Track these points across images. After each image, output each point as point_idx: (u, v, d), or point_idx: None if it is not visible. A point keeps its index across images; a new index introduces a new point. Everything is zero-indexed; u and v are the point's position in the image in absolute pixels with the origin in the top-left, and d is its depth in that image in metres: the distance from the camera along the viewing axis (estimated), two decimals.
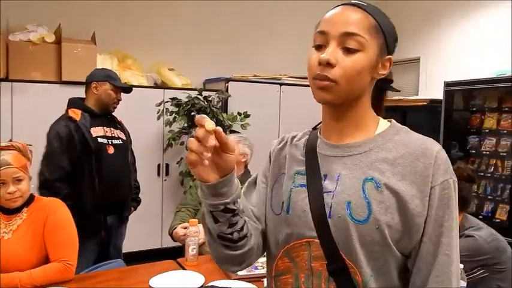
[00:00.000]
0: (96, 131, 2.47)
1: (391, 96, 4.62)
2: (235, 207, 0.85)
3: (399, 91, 1.06)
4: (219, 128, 0.77)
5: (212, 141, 0.77)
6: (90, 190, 2.37)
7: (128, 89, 2.67)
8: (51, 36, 3.68)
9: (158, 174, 4.13)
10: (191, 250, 2.09)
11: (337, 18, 0.88)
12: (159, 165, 4.11)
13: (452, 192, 0.85)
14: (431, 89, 4.56)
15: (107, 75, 2.57)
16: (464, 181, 2.12)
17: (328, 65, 0.83)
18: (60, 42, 3.67)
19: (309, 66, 0.87)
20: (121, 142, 2.58)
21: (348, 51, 0.84)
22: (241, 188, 1.00)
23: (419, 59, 4.95)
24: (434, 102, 4.08)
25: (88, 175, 2.37)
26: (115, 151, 2.51)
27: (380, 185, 0.84)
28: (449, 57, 4.56)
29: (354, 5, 0.90)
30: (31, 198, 1.89)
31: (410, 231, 0.84)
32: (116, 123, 2.65)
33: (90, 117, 2.48)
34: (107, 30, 4.10)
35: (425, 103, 4.09)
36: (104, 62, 3.92)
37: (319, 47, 0.87)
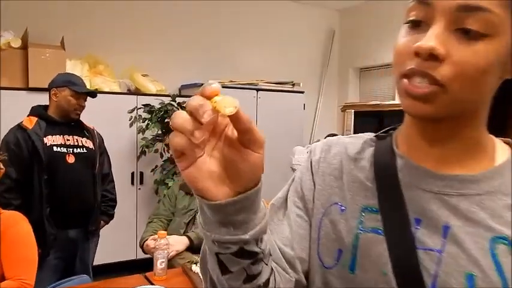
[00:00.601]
0: (53, 139, 2.35)
1: (367, 101, 4.62)
2: (258, 249, 0.51)
3: None
4: (240, 112, 0.44)
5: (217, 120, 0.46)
6: (39, 201, 2.25)
7: (91, 93, 2.54)
8: (18, 41, 3.55)
9: (132, 183, 4.01)
10: (159, 264, 2.00)
11: None
12: (132, 173, 4.00)
13: None
14: None
15: (66, 81, 2.45)
16: None
17: (432, 57, 0.51)
18: (27, 47, 3.54)
19: (397, 54, 0.55)
20: (85, 151, 2.46)
21: (467, 35, 0.51)
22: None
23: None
24: None
25: (38, 185, 2.25)
26: (76, 160, 2.39)
27: None
28: None
29: None
30: None
31: None
32: (82, 131, 2.53)
33: (49, 125, 2.37)
34: (79, 36, 3.99)
35: (401, 108, 4.08)
36: (74, 67, 3.79)
37: (415, 25, 0.55)
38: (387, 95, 5.09)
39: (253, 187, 0.48)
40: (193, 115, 0.43)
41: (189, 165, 0.46)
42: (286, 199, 0.70)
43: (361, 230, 0.60)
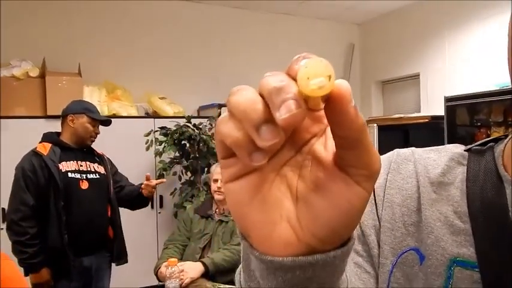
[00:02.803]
0: (68, 166, 2.32)
1: (391, 114, 4.46)
2: None
3: None
4: (348, 91, 0.27)
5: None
6: (57, 228, 2.21)
7: (106, 121, 2.54)
8: (36, 70, 3.60)
9: (152, 206, 3.96)
10: None
11: None
12: (152, 197, 3.94)
13: None
14: (433, 105, 4.39)
15: (84, 108, 2.46)
16: None
17: None
18: (44, 76, 3.58)
19: None
20: (98, 176, 2.43)
21: None
22: None
23: (418, 75, 4.80)
24: (436, 119, 3.90)
25: (55, 212, 2.21)
26: (90, 186, 2.36)
27: None
28: (450, 72, 4.40)
29: None
30: None
31: None
32: (94, 156, 2.51)
33: (63, 151, 2.35)
34: (96, 62, 4.03)
35: (427, 120, 3.91)
36: (91, 93, 3.82)
37: None
38: (412, 108, 4.91)
39: (340, 246, 0.29)
40: (268, 100, 0.25)
41: (238, 177, 0.28)
42: None
43: None
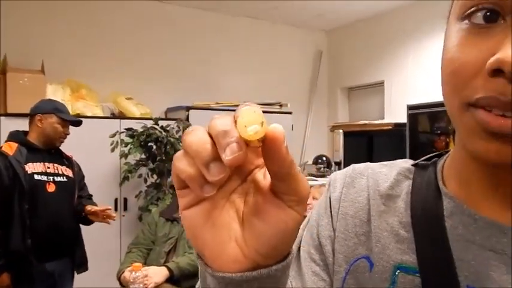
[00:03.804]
0: (34, 167, 2.25)
1: (356, 120, 4.58)
2: None
3: None
4: (280, 134, 0.31)
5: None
6: (20, 232, 2.13)
7: (77, 122, 2.48)
8: None
9: (116, 209, 3.88)
10: None
11: None
12: (116, 199, 3.87)
13: None
14: (396, 113, 4.52)
15: (53, 107, 2.38)
16: None
17: None
18: (5, 72, 3.46)
19: (455, 72, 0.39)
20: (65, 179, 2.37)
21: None
22: None
23: (383, 82, 4.94)
24: (399, 126, 4.03)
25: (19, 215, 2.14)
26: (57, 189, 2.30)
27: None
28: (414, 80, 4.55)
29: None
30: None
31: None
32: (62, 159, 2.44)
33: (29, 152, 2.27)
34: (60, 60, 3.92)
35: (390, 127, 4.03)
36: (55, 92, 3.71)
37: (486, 20, 0.36)
38: (376, 114, 5.04)
39: (280, 260, 0.34)
40: (216, 141, 0.30)
41: (192, 205, 0.32)
42: (299, 249, 0.52)
43: None
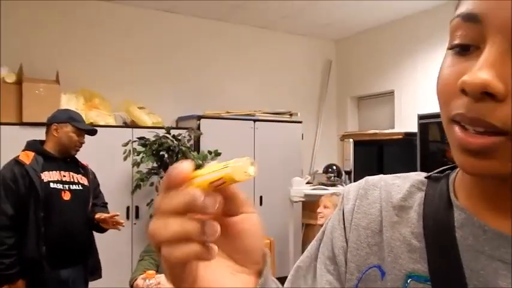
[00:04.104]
0: (50, 176, 2.29)
1: (366, 129, 4.57)
2: None
3: None
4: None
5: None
6: (35, 239, 2.17)
7: (92, 131, 2.52)
8: (12, 76, 3.54)
9: (128, 217, 3.92)
10: None
11: None
12: (128, 207, 3.91)
13: None
14: (407, 122, 4.53)
15: (69, 117, 2.42)
16: None
17: (488, 96, 0.37)
18: (21, 82, 3.53)
19: (441, 91, 0.44)
20: (80, 188, 2.40)
21: None
22: None
23: (393, 92, 4.95)
24: (409, 135, 4.03)
25: (34, 223, 2.17)
26: (72, 197, 2.33)
27: None
28: (423, 90, 4.55)
29: None
30: None
31: None
32: (77, 167, 2.48)
33: (46, 161, 2.31)
34: (74, 70, 3.99)
35: (400, 136, 4.03)
36: (68, 101, 3.78)
37: (463, 50, 0.42)
38: (386, 124, 5.05)
39: (263, 263, 0.41)
40: (191, 210, 0.33)
41: (195, 279, 0.37)
42: (316, 259, 0.56)
43: None
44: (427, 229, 0.48)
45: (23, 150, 2.34)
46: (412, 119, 4.14)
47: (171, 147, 3.55)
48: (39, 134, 3.44)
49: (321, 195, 3.02)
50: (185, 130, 3.91)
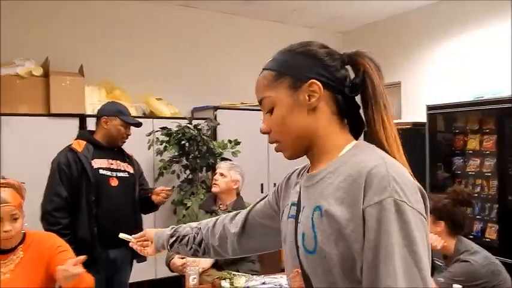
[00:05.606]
0: (99, 163, 2.47)
1: None
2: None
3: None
4: None
5: None
6: (87, 220, 2.35)
7: (138, 124, 2.69)
8: (39, 69, 3.69)
9: None
10: (192, 280, 2.09)
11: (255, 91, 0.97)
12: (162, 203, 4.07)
13: (391, 214, 0.72)
14: (413, 113, 4.70)
15: (117, 111, 2.59)
16: (460, 204, 2.18)
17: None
18: (48, 75, 3.67)
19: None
20: (127, 175, 2.58)
21: (269, 112, 0.93)
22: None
23: (399, 83, 5.11)
24: (417, 125, 4.20)
25: (86, 205, 2.36)
26: (119, 184, 2.50)
27: (322, 212, 0.79)
28: (429, 81, 4.72)
29: (262, 69, 0.98)
30: (23, 236, 1.86)
31: (355, 259, 0.74)
32: (124, 156, 2.65)
33: (95, 149, 2.49)
34: (94, 62, 4.12)
35: (409, 126, 4.21)
36: (92, 93, 3.93)
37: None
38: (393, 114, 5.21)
39: None
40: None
41: None
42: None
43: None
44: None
45: (75, 139, 2.51)
46: (418, 110, 4.31)
47: (193, 137, 3.72)
48: (66, 124, 3.62)
49: None
50: (203, 120, 4.07)
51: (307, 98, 0.87)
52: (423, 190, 0.80)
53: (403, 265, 0.69)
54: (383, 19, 5.20)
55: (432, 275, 2.39)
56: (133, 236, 1.46)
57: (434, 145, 4.06)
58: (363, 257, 0.73)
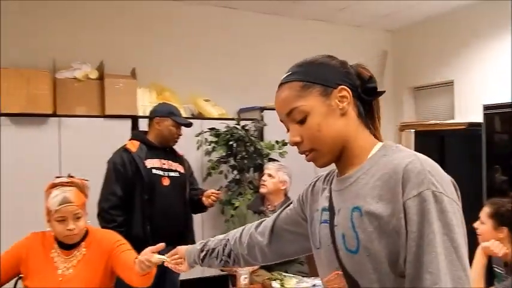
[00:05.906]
0: (152, 163, 2.54)
1: (426, 120, 4.57)
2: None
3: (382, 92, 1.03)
4: None
5: None
6: (141, 219, 2.43)
7: (189, 124, 2.74)
8: (95, 72, 3.85)
9: None
10: (243, 279, 2.11)
11: (276, 105, 1.02)
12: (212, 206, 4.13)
13: (430, 204, 0.78)
14: (468, 113, 4.51)
15: (169, 112, 2.66)
16: None
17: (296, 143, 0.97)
18: (102, 78, 3.83)
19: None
20: (178, 175, 2.64)
21: (300, 122, 0.95)
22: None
23: (452, 82, 4.92)
24: (473, 126, 4.03)
25: (140, 204, 2.43)
26: (171, 183, 2.57)
27: (362, 212, 0.85)
28: (484, 80, 4.51)
29: (282, 83, 1.01)
30: (85, 232, 1.94)
31: (398, 252, 0.80)
32: (175, 156, 2.72)
33: (148, 149, 2.56)
34: (145, 65, 4.25)
35: (463, 127, 4.04)
36: (143, 95, 4.06)
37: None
38: (444, 114, 5.03)
39: None
40: None
41: None
42: None
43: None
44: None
45: (130, 139, 2.60)
46: (474, 110, 4.13)
47: (241, 138, 3.75)
48: (120, 125, 3.75)
49: None
50: (250, 121, 4.10)
51: (338, 103, 0.92)
52: (455, 182, 0.86)
53: (444, 252, 0.76)
54: (433, 17, 5.03)
55: (492, 283, 2.29)
56: (166, 255, 1.52)
57: (492, 147, 3.88)
58: (406, 249, 0.79)
